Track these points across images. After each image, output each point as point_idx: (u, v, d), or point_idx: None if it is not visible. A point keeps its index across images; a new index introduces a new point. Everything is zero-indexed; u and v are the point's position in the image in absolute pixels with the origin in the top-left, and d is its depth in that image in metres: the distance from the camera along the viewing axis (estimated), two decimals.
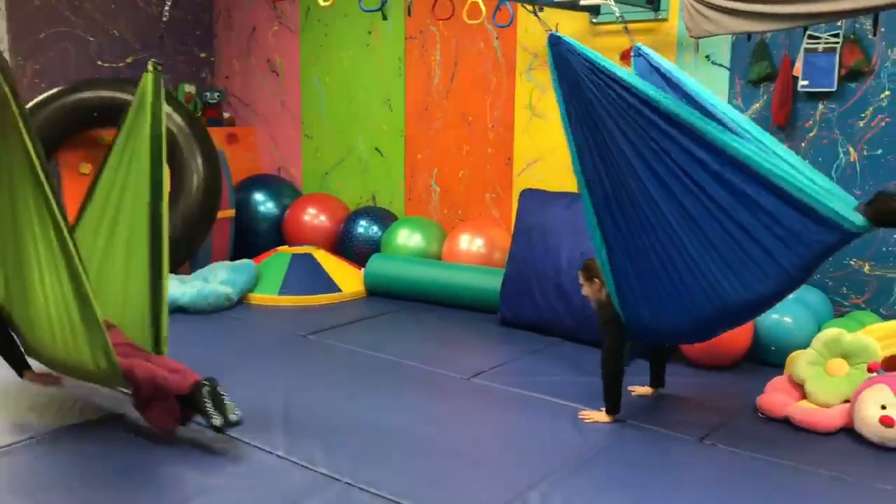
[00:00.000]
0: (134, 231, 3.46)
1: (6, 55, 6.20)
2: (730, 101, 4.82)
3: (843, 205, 2.89)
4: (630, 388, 3.75)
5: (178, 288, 5.24)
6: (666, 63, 3.50)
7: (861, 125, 4.43)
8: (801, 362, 3.62)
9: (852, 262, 4.52)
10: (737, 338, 4.11)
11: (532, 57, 5.58)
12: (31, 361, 3.51)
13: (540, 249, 4.70)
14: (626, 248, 3.24)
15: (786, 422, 3.47)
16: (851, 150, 4.48)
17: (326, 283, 5.60)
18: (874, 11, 3.78)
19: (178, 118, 5.75)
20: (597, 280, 3.53)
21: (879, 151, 4.40)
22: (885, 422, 3.19)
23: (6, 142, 2.94)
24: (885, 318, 4.30)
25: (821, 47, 4.40)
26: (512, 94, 5.75)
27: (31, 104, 5.70)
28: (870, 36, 4.27)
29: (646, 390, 3.79)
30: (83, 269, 3.02)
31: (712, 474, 3.05)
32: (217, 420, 3.07)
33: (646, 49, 3.58)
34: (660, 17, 4.99)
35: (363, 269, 5.73)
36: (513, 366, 4.20)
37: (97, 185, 3.55)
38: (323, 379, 4.04)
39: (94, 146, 6.30)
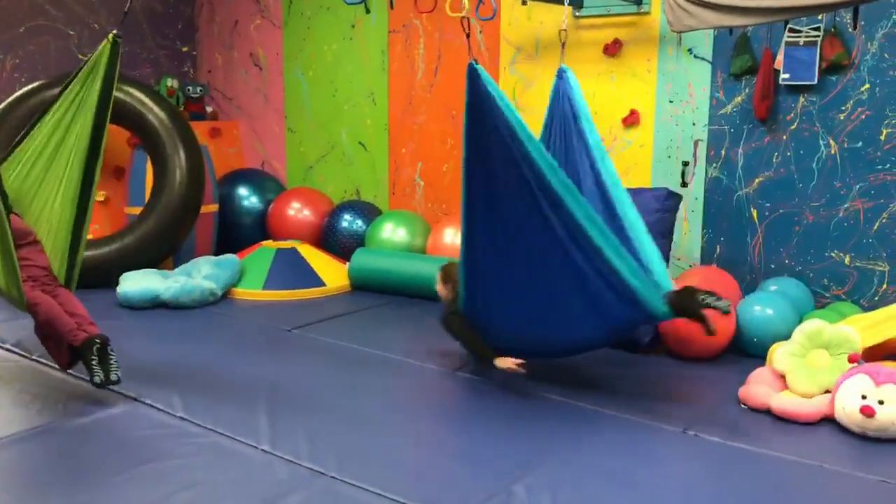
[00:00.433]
0: (68, 175, 3.72)
1: None
2: (712, 95, 4.86)
3: (656, 296, 3.45)
4: (496, 360, 3.70)
5: (162, 283, 5.22)
6: (579, 98, 3.96)
7: (842, 118, 4.47)
8: (782, 353, 3.65)
9: (833, 254, 4.57)
10: (720, 329, 4.14)
11: (515, 50, 5.59)
12: None
13: None
14: (490, 265, 3.57)
15: (768, 412, 3.51)
16: (832, 142, 4.52)
17: (311, 278, 5.59)
18: (854, 5, 3.82)
19: (160, 112, 5.72)
20: (450, 284, 3.91)
21: (860, 144, 4.44)
22: (866, 412, 3.22)
23: None
24: (866, 309, 4.35)
25: (802, 41, 4.44)
26: None
27: (10, 99, 5.66)
28: (850, 29, 4.31)
29: (510, 363, 3.66)
30: (5, 213, 3.31)
31: (696, 465, 3.08)
32: (98, 378, 3.36)
33: (569, 75, 4.00)
34: (642, 10, 5.01)
35: (348, 263, 5.72)
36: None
37: (42, 120, 3.71)
38: (307, 373, 4.03)
39: None
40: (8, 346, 4.29)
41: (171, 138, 5.69)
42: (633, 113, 5.15)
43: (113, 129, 6.05)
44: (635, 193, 4.46)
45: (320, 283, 5.60)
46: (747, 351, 4.23)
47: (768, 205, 4.76)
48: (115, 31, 3.58)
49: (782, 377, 3.63)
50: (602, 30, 5.20)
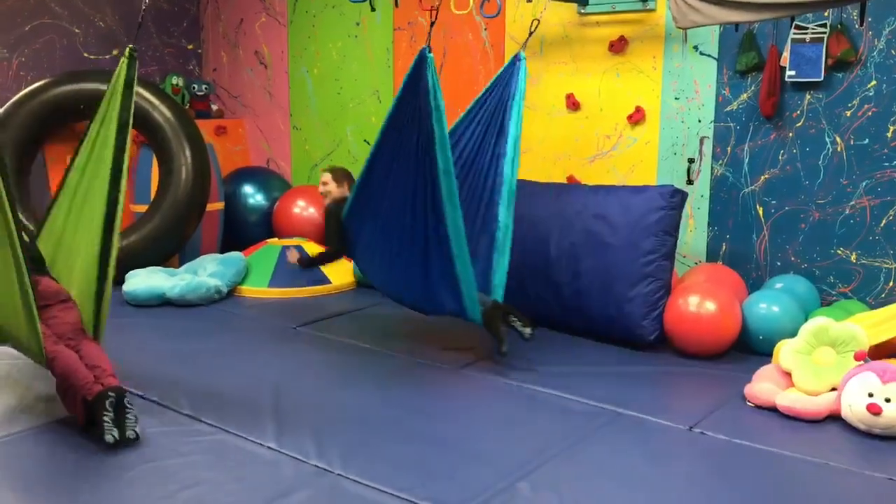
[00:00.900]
0: (94, 216, 3.56)
1: None
2: (718, 92, 4.84)
3: (476, 305, 3.97)
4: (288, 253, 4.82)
5: (168, 281, 5.22)
6: (521, 86, 4.38)
7: (848, 115, 4.46)
8: (788, 351, 3.65)
9: (839, 251, 4.56)
10: (725, 327, 4.14)
11: (520, 48, 5.57)
12: None
13: (528, 240, 4.70)
14: (374, 203, 4.02)
15: (773, 410, 3.50)
16: (838, 139, 4.51)
17: (316, 276, 5.60)
18: (861, 1, 3.79)
19: (165, 110, 5.73)
20: (346, 187, 4.46)
21: (866, 141, 4.42)
22: (872, 410, 3.21)
23: None
24: (872, 306, 4.34)
25: (808, 37, 4.42)
26: None
27: (16, 97, 5.67)
28: (857, 26, 4.29)
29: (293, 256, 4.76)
30: (25, 264, 3.09)
31: (701, 463, 3.07)
32: (110, 437, 3.03)
33: (522, 65, 4.40)
34: (648, 7, 4.99)
35: (353, 261, 5.72)
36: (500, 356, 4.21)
37: (70, 168, 3.63)
38: (313, 371, 4.04)
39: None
40: None
41: (177, 136, 5.69)
42: (638, 110, 5.14)
43: None
44: (640, 191, 4.48)
45: (326, 280, 5.61)
46: (753, 348, 4.22)
47: (774, 202, 4.74)
48: (130, 46, 3.47)
49: (788, 375, 3.62)
50: (607, 27, 5.19)
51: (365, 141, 6.50)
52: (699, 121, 4.95)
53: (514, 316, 4.05)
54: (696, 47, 4.90)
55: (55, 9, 6.41)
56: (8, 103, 5.68)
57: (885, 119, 4.35)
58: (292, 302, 5.33)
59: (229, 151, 7.02)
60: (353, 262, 4.56)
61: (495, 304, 4.11)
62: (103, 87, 5.67)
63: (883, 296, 4.43)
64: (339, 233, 4.36)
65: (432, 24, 3.81)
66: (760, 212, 4.80)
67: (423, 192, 3.78)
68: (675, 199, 4.37)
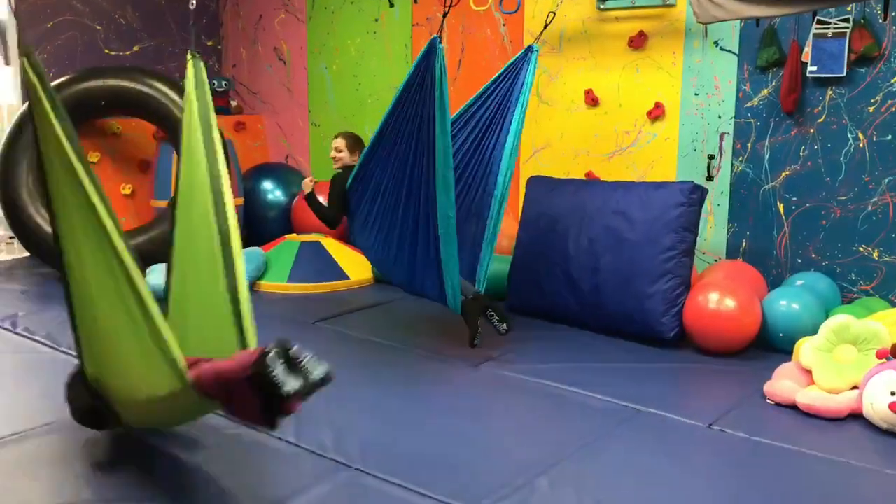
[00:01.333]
0: (204, 230, 3.02)
1: (14, 43, 6.21)
2: (738, 88, 4.81)
3: (456, 295, 4.03)
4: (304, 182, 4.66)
5: None
6: (529, 79, 4.38)
7: (871, 111, 4.41)
8: (809, 349, 3.62)
9: (861, 249, 4.52)
10: (745, 324, 4.12)
11: (539, 44, 5.56)
12: None
13: (547, 236, 4.70)
14: (375, 175, 4.10)
15: (794, 408, 3.48)
16: (861, 135, 4.47)
17: (335, 271, 5.62)
18: None
19: None
20: (357, 155, 4.37)
21: (889, 137, 4.38)
22: (894, 409, 3.18)
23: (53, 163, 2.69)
24: (894, 304, 4.30)
25: (830, 32, 4.38)
26: None
27: None
28: (880, 20, 4.25)
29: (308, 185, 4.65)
30: (143, 290, 2.57)
31: (720, 460, 3.06)
32: (291, 385, 2.40)
33: (534, 57, 4.41)
34: (668, 2, 4.97)
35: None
36: (521, 352, 4.21)
37: (177, 191, 3.22)
38: (331, 365, 4.05)
39: (103, 135, 6.33)
40: (37, 337, 4.34)
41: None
42: (658, 106, 5.12)
43: (139, 122, 6.14)
44: (660, 187, 4.46)
45: (344, 276, 5.62)
46: (773, 346, 4.19)
47: (795, 199, 4.71)
48: (190, 49, 3.26)
49: (809, 372, 3.59)
50: (627, 22, 5.17)
51: None
52: (719, 117, 4.92)
53: (492, 310, 4.18)
54: (716, 43, 4.87)
55: (77, 6, 6.46)
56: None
57: None
58: (311, 297, 5.35)
59: (248, 147, 7.05)
60: (350, 233, 4.62)
61: (476, 297, 4.18)
62: (124, 83, 5.77)
63: None
64: (341, 199, 4.38)
65: (445, 14, 3.87)
66: (781, 208, 4.77)
67: (419, 175, 3.82)
68: (695, 196, 4.35)
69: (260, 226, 6.48)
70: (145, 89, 5.72)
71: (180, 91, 5.89)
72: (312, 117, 6.97)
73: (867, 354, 3.51)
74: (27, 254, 6.02)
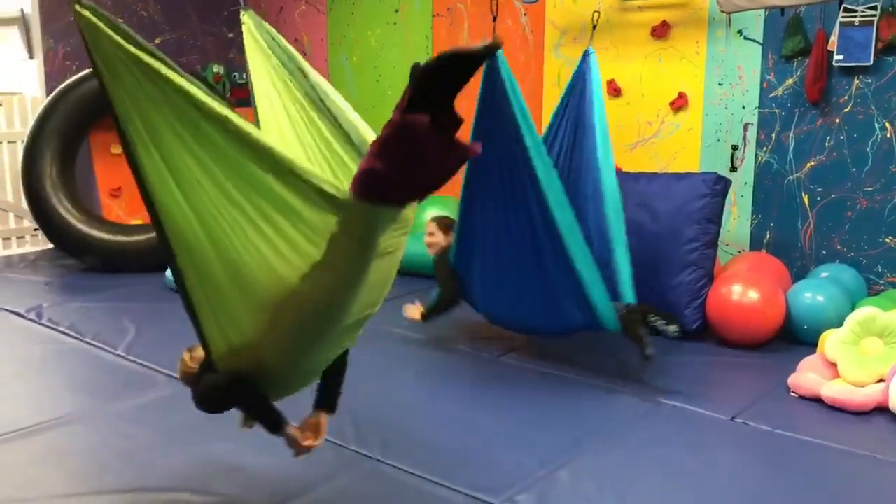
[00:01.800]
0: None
1: (38, 37, 6.26)
2: (763, 77, 4.76)
3: (610, 311, 3.64)
4: (404, 308, 4.14)
5: None
6: (596, 82, 4.05)
7: None
8: (834, 341, 3.58)
9: (888, 241, 4.46)
10: (769, 316, 4.08)
11: (560, 33, 5.53)
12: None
13: None
14: (475, 228, 3.78)
15: (818, 401, 3.44)
16: (888, 125, 4.40)
17: None
18: None
19: None
20: (452, 234, 4.02)
21: None
22: None
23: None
24: None
25: (857, 20, 4.32)
26: (541, 71, 5.70)
27: (62, 86, 5.76)
28: None
29: (415, 314, 4.12)
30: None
31: (743, 453, 3.04)
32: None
33: (592, 59, 4.09)
34: None
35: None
36: (540, 344, 4.20)
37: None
38: (351, 357, 4.05)
39: None
40: (61, 328, 4.38)
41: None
42: (681, 96, 5.07)
43: None
44: (683, 178, 4.42)
45: None
46: (797, 338, 4.15)
47: (820, 189, 4.65)
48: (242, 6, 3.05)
49: (834, 365, 3.55)
50: (650, 12, 5.12)
51: None
52: (743, 107, 4.87)
53: (653, 315, 3.75)
54: (740, 32, 4.81)
55: None
56: (55, 91, 5.77)
57: None
58: None
59: None
60: (473, 302, 4.13)
61: (630, 307, 3.75)
62: None
63: None
64: (451, 278, 4.04)
65: (494, 17, 3.68)
66: (806, 199, 4.71)
67: (526, 206, 3.52)
68: (719, 187, 4.30)
69: None
70: (170, 63, 5.75)
71: (202, 83, 5.91)
72: None
73: (893, 347, 3.46)
74: (51, 245, 6.08)
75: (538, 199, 3.48)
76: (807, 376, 3.53)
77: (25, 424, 3.17)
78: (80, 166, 5.98)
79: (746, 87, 4.84)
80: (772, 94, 4.76)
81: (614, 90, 5.32)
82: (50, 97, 5.76)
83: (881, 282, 4.50)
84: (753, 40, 4.78)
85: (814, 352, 3.74)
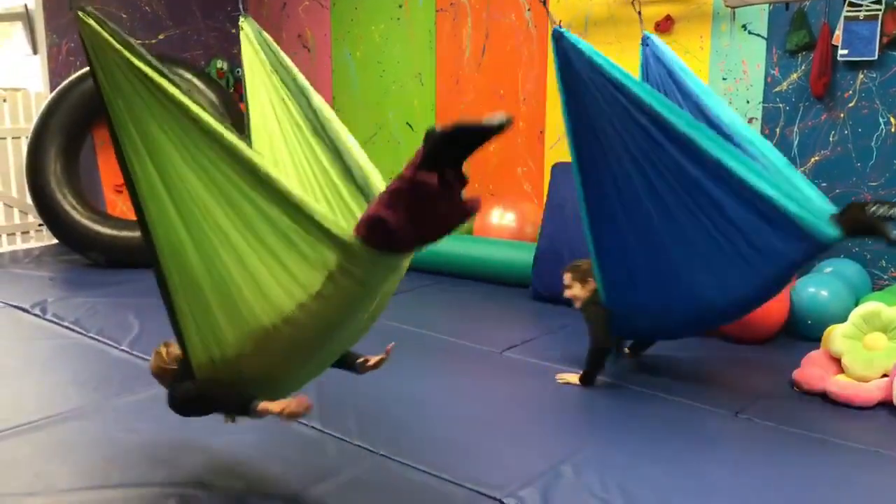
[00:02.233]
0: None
1: (42, 32, 6.26)
2: (767, 72, 4.75)
3: (819, 217, 3.05)
4: (558, 375, 3.67)
5: None
6: (671, 56, 3.68)
7: None
8: (838, 336, 3.57)
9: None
10: (773, 312, 4.07)
11: (565, 28, 5.51)
12: None
13: (572, 223, 4.66)
14: (618, 244, 3.36)
15: (822, 396, 3.44)
16: (893, 120, 4.39)
17: None
18: None
19: (210, 94, 5.78)
20: (591, 280, 3.57)
21: None
22: None
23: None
24: None
25: (862, 15, 4.30)
26: (544, 67, 5.70)
27: (66, 82, 5.77)
28: None
29: (573, 378, 3.64)
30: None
31: (747, 449, 3.03)
32: None
33: (654, 40, 3.74)
34: None
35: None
36: (545, 340, 4.20)
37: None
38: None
39: None
40: (66, 323, 4.39)
41: (222, 120, 5.75)
42: None
43: None
44: None
45: None
46: (802, 333, 4.15)
47: (825, 184, 4.64)
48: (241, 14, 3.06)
49: (838, 360, 3.55)
50: (653, 5, 5.11)
51: (407, 124, 6.50)
52: (748, 101, 4.86)
53: (870, 206, 3.09)
54: (744, 26, 4.80)
55: None
56: (58, 87, 5.78)
57: None
58: None
59: None
60: (628, 325, 3.63)
61: (843, 209, 3.15)
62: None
63: None
64: (606, 321, 3.54)
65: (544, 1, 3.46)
66: None
67: (678, 168, 3.10)
68: None
69: None
70: (171, 77, 5.75)
71: (206, 79, 5.92)
72: (336, 104, 6.97)
73: None
74: (55, 241, 6.09)
75: (678, 142, 3.06)
76: (811, 371, 3.53)
77: (30, 419, 3.18)
78: (85, 162, 5.99)
79: (751, 82, 4.83)
80: (776, 89, 4.75)
81: None
82: (54, 93, 5.77)
83: (885, 277, 4.49)
84: (758, 35, 4.77)
85: (818, 347, 3.73)
